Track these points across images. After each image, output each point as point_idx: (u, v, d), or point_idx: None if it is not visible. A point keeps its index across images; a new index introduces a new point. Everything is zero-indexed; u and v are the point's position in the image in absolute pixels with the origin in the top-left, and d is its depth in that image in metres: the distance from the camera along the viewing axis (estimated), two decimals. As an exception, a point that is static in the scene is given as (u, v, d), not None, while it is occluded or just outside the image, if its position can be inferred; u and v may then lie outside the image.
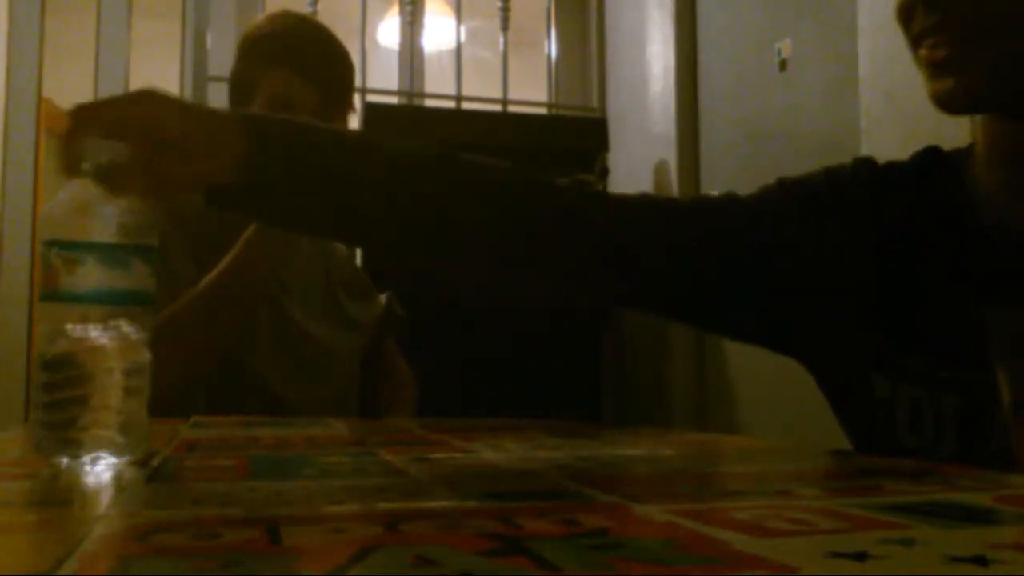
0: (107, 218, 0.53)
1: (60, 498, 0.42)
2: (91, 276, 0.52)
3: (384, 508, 0.37)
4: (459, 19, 2.65)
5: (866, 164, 0.74)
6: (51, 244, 0.52)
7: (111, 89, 2.49)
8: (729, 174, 2.20)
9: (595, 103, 2.77)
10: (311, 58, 1.17)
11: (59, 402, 0.52)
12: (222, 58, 2.51)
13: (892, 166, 0.74)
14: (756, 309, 0.73)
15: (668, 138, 2.37)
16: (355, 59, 1.26)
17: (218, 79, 2.38)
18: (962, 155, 0.71)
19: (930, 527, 0.32)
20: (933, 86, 0.63)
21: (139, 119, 0.58)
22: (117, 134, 0.55)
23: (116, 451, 0.51)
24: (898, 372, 0.66)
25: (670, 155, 2.36)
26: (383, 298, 1.38)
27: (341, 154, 0.66)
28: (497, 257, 0.70)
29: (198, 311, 1.04)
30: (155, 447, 0.59)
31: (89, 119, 0.56)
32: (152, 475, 0.47)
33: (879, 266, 0.70)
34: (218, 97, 2.33)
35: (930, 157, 0.73)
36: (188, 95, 2.43)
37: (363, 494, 0.40)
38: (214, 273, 1.04)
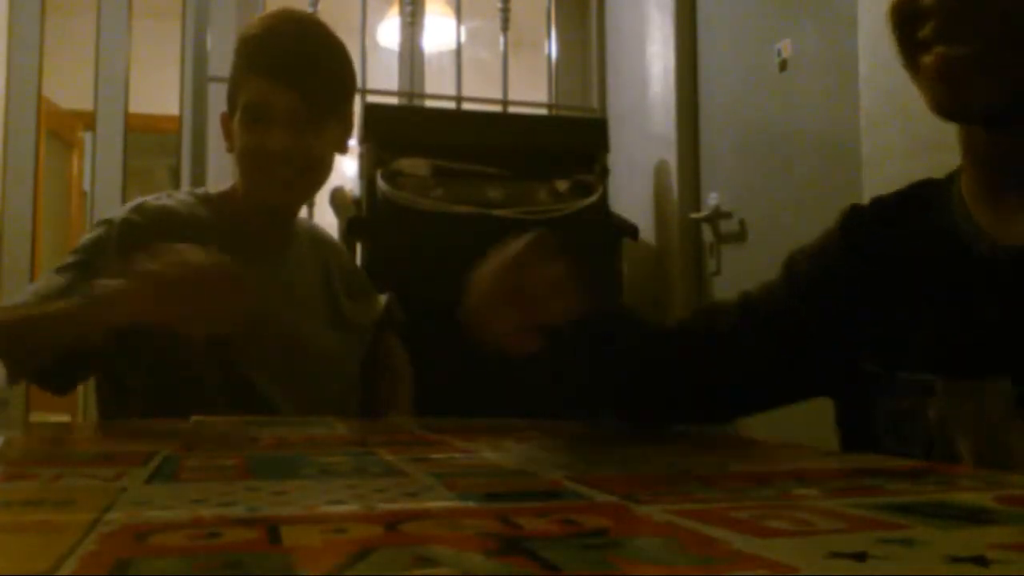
0: None
1: (60, 498, 0.42)
2: None
3: (384, 508, 0.37)
4: (459, 19, 2.65)
5: (851, 212, 0.81)
6: None
7: (111, 89, 2.49)
8: (729, 174, 2.19)
9: (595, 103, 2.77)
10: (294, 63, 1.10)
11: None
12: (222, 58, 2.50)
13: (876, 202, 0.81)
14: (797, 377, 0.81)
15: (668, 138, 2.37)
16: (355, 59, 1.21)
17: (218, 79, 2.38)
18: (951, 178, 0.76)
19: (930, 527, 0.32)
20: (934, 95, 0.66)
21: None
22: None
23: None
24: (881, 387, 0.72)
25: (670, 155, 2.36)
26: (383, 299, 1.38)
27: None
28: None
29: (20, 330, 1.02)
30: (155, 447, 0.59)
31: None
32: (152, 475, 0.47)
33: (873, 295, 0.75)
34: (218, 97, 2.33)
35: (915, 188, 0.79)
36: (188, 95, 2.43)
37: (363, 494, 0.40)
38: (53, 309, 0.97)
